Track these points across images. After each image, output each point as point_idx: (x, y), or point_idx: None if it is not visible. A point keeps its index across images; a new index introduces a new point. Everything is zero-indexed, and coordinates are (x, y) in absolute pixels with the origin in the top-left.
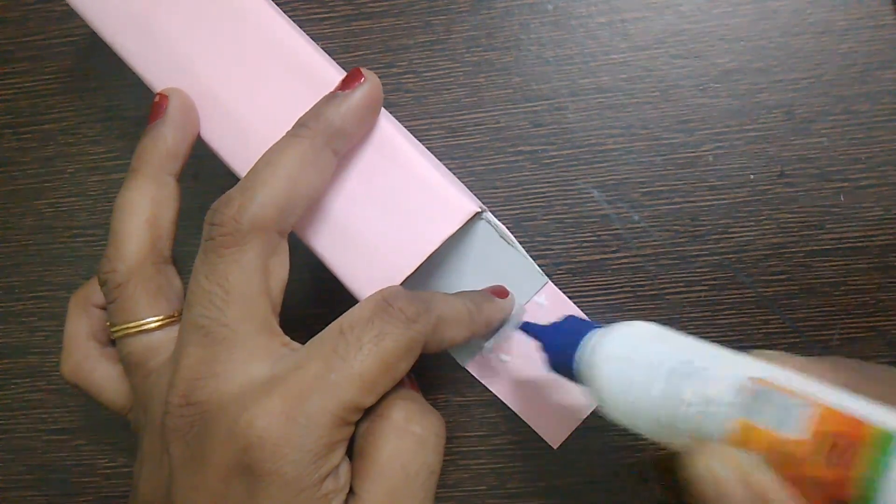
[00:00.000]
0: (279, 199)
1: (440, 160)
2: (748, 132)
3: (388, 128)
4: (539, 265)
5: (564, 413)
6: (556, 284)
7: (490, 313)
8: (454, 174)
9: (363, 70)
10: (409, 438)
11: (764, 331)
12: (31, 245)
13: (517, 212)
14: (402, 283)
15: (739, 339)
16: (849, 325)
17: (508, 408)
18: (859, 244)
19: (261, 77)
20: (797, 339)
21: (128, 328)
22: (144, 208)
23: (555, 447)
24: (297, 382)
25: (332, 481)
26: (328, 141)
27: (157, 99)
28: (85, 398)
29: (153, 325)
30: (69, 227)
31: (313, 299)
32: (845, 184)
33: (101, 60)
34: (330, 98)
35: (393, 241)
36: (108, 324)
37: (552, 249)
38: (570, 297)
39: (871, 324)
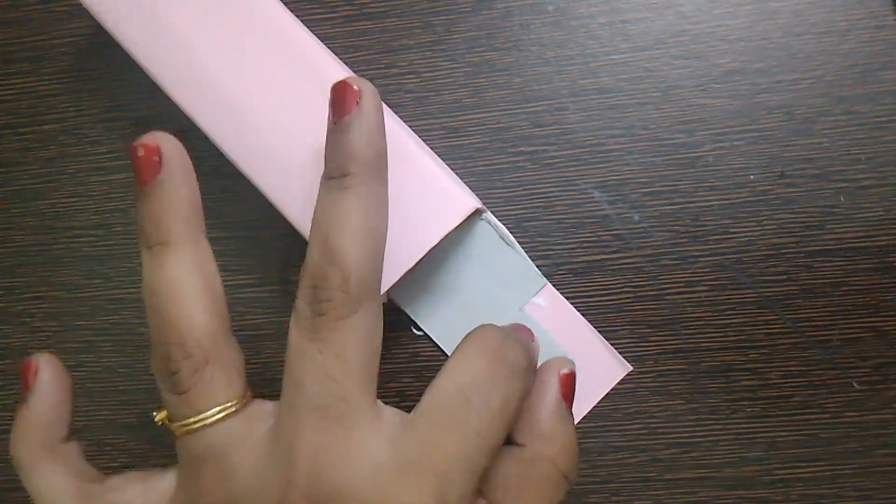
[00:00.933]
0: (371, 258)
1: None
2: (749, 133)
3: (389, 123)
4: (539, 265)
5: None
6: (556, 285)
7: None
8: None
9: (351, 81)
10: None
11: (764, 331)
12: (31, 245)
13: (518, 212)
14: (399, 279)
15: (740, 339)
16: (849, 326)
17: None
18: (860, 245)
19: (266, 72)
20: (797, 339)
21: (205, 419)
22: (196, 279)
23: None
24: (439, 464)
25: None
26: (374, 175)
27: (142, 154)
28: (86, 398)
29: (234, 409)
30: (70, 227)
31: None
32: (846, 184)
33: (102, 61)
34: (346, 128)
35: (392, 235)
36: (165, 420)
37: (553, 250)
38: (570, 298)
39: (872, 324)
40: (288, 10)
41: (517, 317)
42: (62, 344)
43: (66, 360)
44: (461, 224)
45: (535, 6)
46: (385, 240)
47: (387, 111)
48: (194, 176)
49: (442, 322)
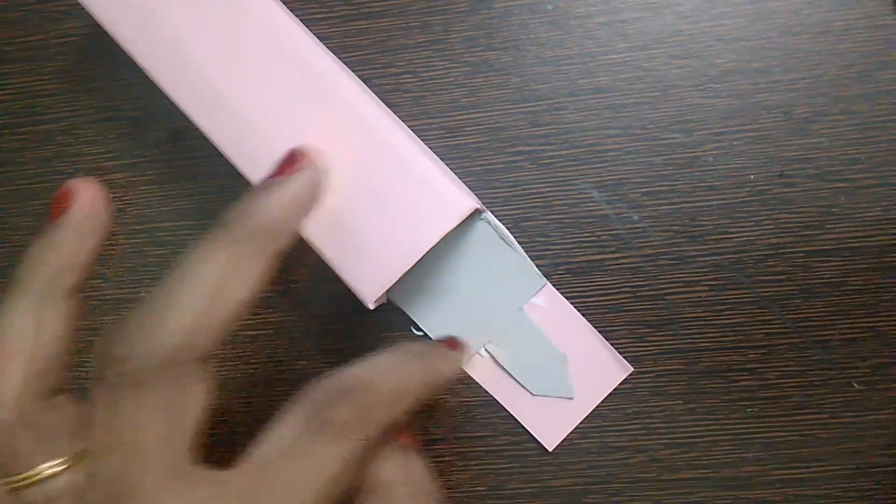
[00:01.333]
0: (193, 323)
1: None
2: (747, 132)
3: (387, 121)
4: (538, 266)
5: (560, 416)
6: (554, 285)
7: (446, 372)
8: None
9: (302, 152)
10: None
11: (763, 331)
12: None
13: (516, 212)
14: (399, 280)
15: (738, 339)
16: (848, 326)
17: (507, 409)
18: (859, 244)
19: (263, 70)
20: (797, 339)
21: (28, 477)
22: (24, 338)
23: (549, 449)
24: None
25: None
26: (254, 242)
27: (60, 191)
28: None
29: (50, 473)
30: None
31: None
32: (844, 184)
33: (99, 61)
34: (259, 189)
35: (390, 236)
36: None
37: (551, 250)
38: (569, 299)
39: (871, 324)
40: (286, 9)
41: (515, 317)
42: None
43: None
44: (460, 224)
45: (534, 6)
46: (239, 311)
47: (384, 110)
48: (93, 239)
49: (441, 322)
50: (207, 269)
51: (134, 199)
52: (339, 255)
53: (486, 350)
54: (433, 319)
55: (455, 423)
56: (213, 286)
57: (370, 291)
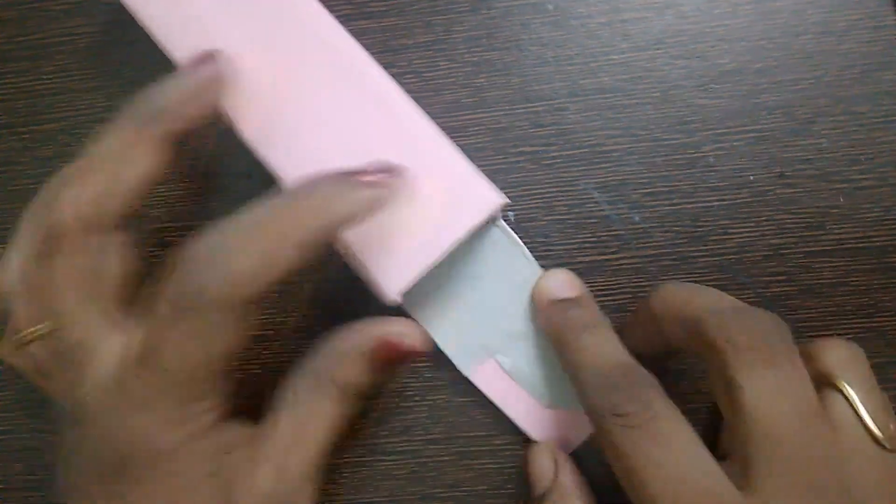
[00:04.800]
0: (96, 196)
1: None
2: (749, 133)
3: (413, 111)
4: (540, 266)
5: (571, 425)
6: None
7: (346, 206)
8: None
9: (211, 53)
10: None
11: None
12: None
13: (518, 213)
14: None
15: None
16: (849, 326)
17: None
18: (859, 245)
19: (290, 55)
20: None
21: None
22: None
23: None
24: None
25: None
26: (148, 124)
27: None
28: None
29: (37, 335)
30: None
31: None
32: (845, 185)
33: (100, 59)
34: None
35: (417, 229)
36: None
37: (552, 250)
38: None
39: (871, 324)
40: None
41: (529, 328)
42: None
43: None
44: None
45: (535, 6)
46: (141, 188)
47: (409, 99)
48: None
49: (449, 328)
50: (103, 147)
51: None
52: (364, 247)
53: (494, 359)
54: (445, 330)
55: (457, 422)
56: (111, 162)
57: (394, 285)
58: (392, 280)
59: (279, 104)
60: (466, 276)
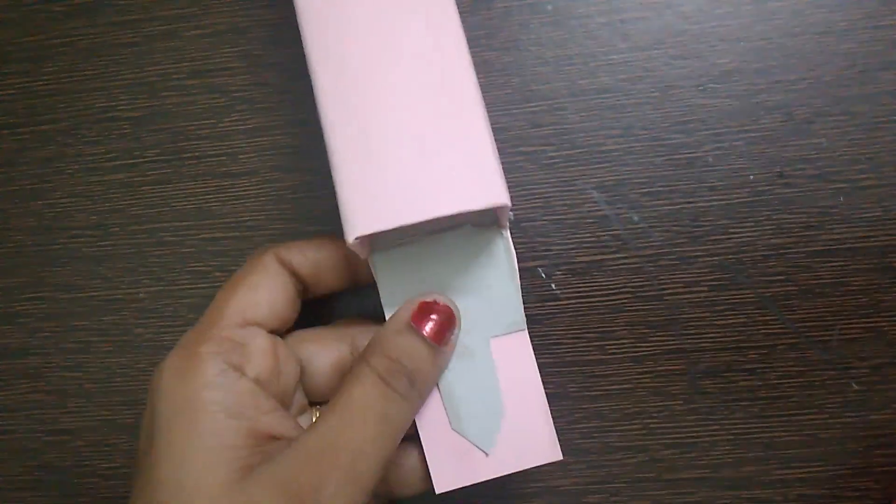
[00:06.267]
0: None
1: None
2: (748, 133)
3: (469, 77)
4: (538, 266)
5: (466, 465)
6: (555, 285)
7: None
8: None
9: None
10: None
11: (763, 331)
12: (30, 246)
13: (517, 213)
14: (390, 230)
15: (738, 339)
16: (848, 326)
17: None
18: (859, 245)
19: (401, 51)
20: (796, 340)
21: None
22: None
23: (436, 491)
24: None
25: None
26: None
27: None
28: (85, 399)
29: None
30: (68, 227)
31: None
32: (845, 184)
33: (99, 61)
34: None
35: (410, 182)
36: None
37: (551, 250)
38: (569, 299)
39: (871, 324)
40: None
41: (477, 345)
42: (61, 344)
43: (65, 360)
44: (478, 229)
45: (534, 6)
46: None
47: (471, 61)
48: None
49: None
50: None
51: (134, 199)
52: (350, 178)
53: None
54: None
55: None
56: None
57: (359, 224)
58: (359, 222)
59: (350, 31)
60: (450, 274)
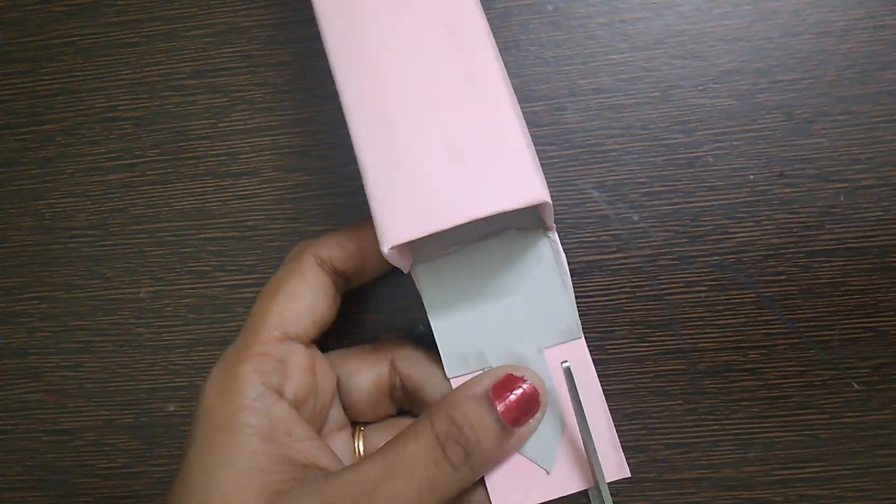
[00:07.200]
0: None
1: None
2: (748, 133)
3: (498, 72)
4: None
5: (529, 484)
6: None
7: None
8: None
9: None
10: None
11: (763, 331)
12: (30, 246)
13: None
14: (427, 238)
15: (738, 339)
16: (848, 326)
17: None
18: (859, 245)
19: (422, 48)
20: (797, 340)
21: None
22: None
23: None
24: None
25: None
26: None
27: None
28: (85, 399)
29: None
30: (69, 227)
31: None
32: (845, 184)
33: (100, 61)
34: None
35: (443, 186)
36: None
37: None
38: None
39: (871, 324)
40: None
41: (533, 357)
42: (60, 344)
43: (65, 360)
44: (522, 232)
45: (534, 6)
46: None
47: (498, 64)
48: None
49: (453, 329)
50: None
51: (134, 199)
52: (380, 186)
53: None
54: (448, 324)
55: None
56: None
57: (393, 233)
58: (393, 231)
59: (384, 74)
60: (496, 281)
